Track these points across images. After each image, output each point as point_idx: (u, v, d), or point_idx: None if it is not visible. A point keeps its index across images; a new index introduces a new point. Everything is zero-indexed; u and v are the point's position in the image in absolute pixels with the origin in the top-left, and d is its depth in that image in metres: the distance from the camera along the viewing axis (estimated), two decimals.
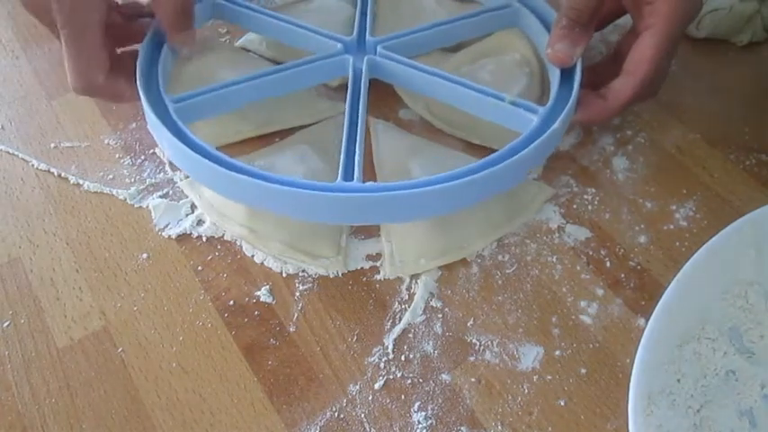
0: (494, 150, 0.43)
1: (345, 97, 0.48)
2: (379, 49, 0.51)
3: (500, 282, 0.45)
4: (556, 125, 0.44)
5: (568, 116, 0.45)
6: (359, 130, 0.45)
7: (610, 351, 0.42)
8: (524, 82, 0.52)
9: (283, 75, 0.49)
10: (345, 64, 0.51)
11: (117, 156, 0.52)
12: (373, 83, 0.50)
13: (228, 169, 0.41)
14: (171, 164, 0.51)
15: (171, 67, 0.51)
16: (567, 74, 0.48)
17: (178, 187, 0.50)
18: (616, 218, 0.48)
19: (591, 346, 0.42)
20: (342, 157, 0.44)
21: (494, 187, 0.43)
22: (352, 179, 0.42)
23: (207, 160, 0.41)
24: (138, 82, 0.46)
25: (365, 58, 0.50)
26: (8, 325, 0.44)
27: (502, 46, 0.56)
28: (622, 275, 0.45)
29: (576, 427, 0.39)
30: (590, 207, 0.49)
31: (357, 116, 0.46)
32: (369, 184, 0.42)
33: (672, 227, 0.47)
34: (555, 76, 0.48)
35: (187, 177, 0.50)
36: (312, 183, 0.41)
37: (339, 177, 0.42)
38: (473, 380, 0.41)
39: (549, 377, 0.41)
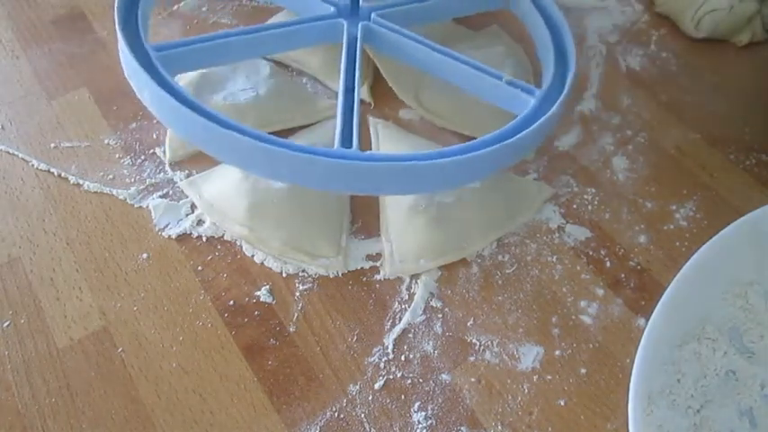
0: None
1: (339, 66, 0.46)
2: (373, 16, 0.50)
3: (500, 282, 0.45)
4: (554, 108, 0.43)
5: (567, 98, 0.44)
6: (355, 98, 0.44)
7: (610, 351, 0.42)
8: (512, 71, 0.52)
9: (274, 33, 0.48)
10: (339, 28, 0.49)
11: (117, 156, 0.52)
12: (373, 83, 0.50)
13: (220, 125, 0.39)
14: (171, 164, 0.51)
15: (150, 11, 0.49)
16: (560, 55, 0.47)
17: (178, 187, 0.50)
18: (616, 218, 0.48)
19: (591, 346, 0.42)
20: (338, 123, 0.42)
21: (488, 168, 0.42)
22: (351, 146, 0.41)
23: (197, 114, 0.39)
24: (117, 28, 0.44)
25: (360, 24, 0.49)
26: (8, 325, 0.44)
27: (485, 42, 0.56)
28: (622, 275, 0.45)
29: (575, 427, 0.39)
30: (590, 207, 0.49)
31: (353, 83, 0.45)
32: (368, 152, 0.41)
33: (672, 227, 0.47)
34: (549, 57, 0.48)
35: (188, 177, 0.50)
36: (308, 147, 0.40)
37: (336, 143, 0.41)
38: (473, 380, 0.41)
39: (549, 377, 0.41)
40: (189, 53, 0.45)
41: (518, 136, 0.41)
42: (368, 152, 0.40)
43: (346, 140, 0.41)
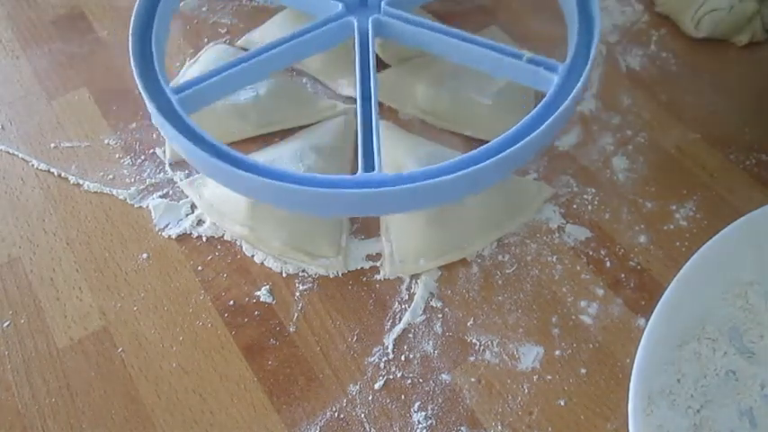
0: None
1: (355, 74, 0.44)
2: (383, 5, 0.48)
3: (500, 282, 0.45)
4: (575, 91, 0.42)
5: (589, 75, 0.43)
6: (373, 107, 0.42)
7: (610, 351, 0.42)
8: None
9: (286, 47, 0.47)
10: (350, 27, 0.48)
11: (117, 156, 0.52)
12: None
13: (246, 170, 0.39)
14: (171, 164, 0.51)
15: (164, 48, 0.48)
16: (585, 28, 0.46)
17: (178, 187, 0.50)
18: (616, 218, 0.48)
19: (591, 346, 0.42)
20: (360, 143, 0.41)
21: (514, 164, 0.41)
22: (374, 168, 0.40)
23: (222, 162, 0.39)
24: (135, 72, 0.43)
25: (370, 19, 0.48)
26: (8, 325, 0.44)
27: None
28: (622, 275, 0.45)
29: (575, 427, 0.39)
30: (590, 207, 0.49)
31: (370, 90, 0.43)
32: (392, 175, 0.39)
33: (672, 227, 0.47)
34: (573, 29, 0.47)
35: (188, 177, 0.50)
36: (331, 178, 0.39)
37: (360, 168, 0.40)
38: (473, 380, 0.41)
39: (549, 377, 0.41)
40: (209, 89, 0.45)
41: (541, 128, 0.40)
42: (393, 175, 0.39)
43: (368, 164, 0.40)
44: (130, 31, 0.46)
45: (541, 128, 0.40)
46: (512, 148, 0.40)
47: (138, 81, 0.44)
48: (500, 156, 0.39)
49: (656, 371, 0.36)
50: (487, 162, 0.39)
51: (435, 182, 0.38)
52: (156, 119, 0.43)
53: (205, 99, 0.45)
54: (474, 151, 0.40)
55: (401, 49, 0.55)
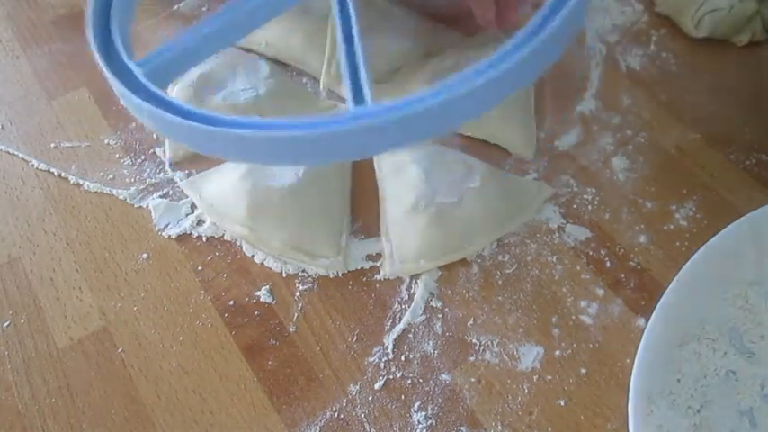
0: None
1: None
2: None
3: (500, 282, 0.45)
4: None
5: None
6: (357, 45, 0.37)
7: (610, 351, 0.42)
8: None
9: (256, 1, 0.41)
10: None
11: (117, 156, 0.52)
12: None
13: (229, 127, 0.34)
14: (171, 164, 0.51)
15: (129, 22, 0.42)
16: None
17: (178, 187, 0.50)
18: (616, 218, 0.48)
19: (591, 346, 0.42)
20: (345, 76, 0.36)
21: (549, 56, 0.35)
22: (364, 101, 0.35)
23: (204, 125, 0.34)
24: (94, 48, 0.37)
25: None
26: (8, 325, 0.44)
27: (481, 42, 0.56)
28: (622, 275, 0.45)
29: (575, 427, 0.39)
30: (590, 207, 0.49)
31: (351, 30, 0.38)
32: (388, 103, 0.33)
33: (672, 227, 0.47)
34: None
35: (188, 177, 0.50)
36: (320, 120, 0.33)
37: (349, 103, 0.35)
38: (473, 380, 0.41)
39: (549, 377, 0.41)
40: (176, 58, 0.40)
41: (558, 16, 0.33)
42: (387, 103, 0.33)
43: (358, 96, 0.35)
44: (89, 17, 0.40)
45: None
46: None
47: (97, 56, 0.38)
48: (514, 59, 0.33)
49: (656, 371, 0.36)
50: (505, 66, 0.33)
51: (450, 98, 0.32)
52: (122, 95, 0.37)
53: (174, 69, 0.40)
54: (485, 60, 0.34)
55: (380, 65, 0.55)
